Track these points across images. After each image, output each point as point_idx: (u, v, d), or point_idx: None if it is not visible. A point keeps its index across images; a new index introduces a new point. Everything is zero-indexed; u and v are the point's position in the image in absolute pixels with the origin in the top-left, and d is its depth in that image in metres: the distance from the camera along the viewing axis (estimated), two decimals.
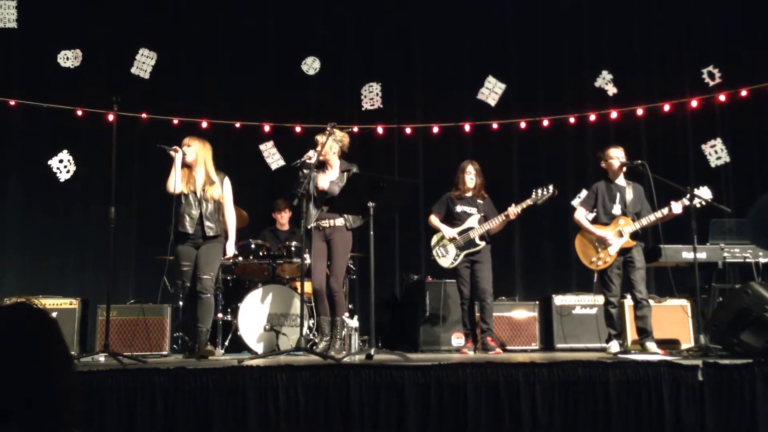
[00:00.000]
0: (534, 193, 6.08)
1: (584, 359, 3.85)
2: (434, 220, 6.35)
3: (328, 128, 5.46)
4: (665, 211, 5.55)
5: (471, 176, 6.26)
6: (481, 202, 6.27)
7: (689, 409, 3.63)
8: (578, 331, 6.80)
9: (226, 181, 5.73)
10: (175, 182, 5.51)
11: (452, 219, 6.27)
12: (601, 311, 6.08)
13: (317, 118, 8.02)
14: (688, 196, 5.43)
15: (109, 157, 5.23)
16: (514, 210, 6.06)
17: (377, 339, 6.46)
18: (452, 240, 6.18)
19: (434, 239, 6.40)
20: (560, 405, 3.63)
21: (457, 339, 6.66)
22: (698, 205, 5.35)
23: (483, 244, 6.15)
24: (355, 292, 7.48)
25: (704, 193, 5.44)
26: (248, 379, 3.51)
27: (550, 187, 6.04)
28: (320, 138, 5.67)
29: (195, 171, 5.61)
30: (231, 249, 5.84)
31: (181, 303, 6.56)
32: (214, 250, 5.60)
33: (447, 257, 6.24)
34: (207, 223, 5.51)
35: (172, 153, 5.57)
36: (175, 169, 5.54)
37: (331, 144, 5.66)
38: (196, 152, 5.65)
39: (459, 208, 6.26)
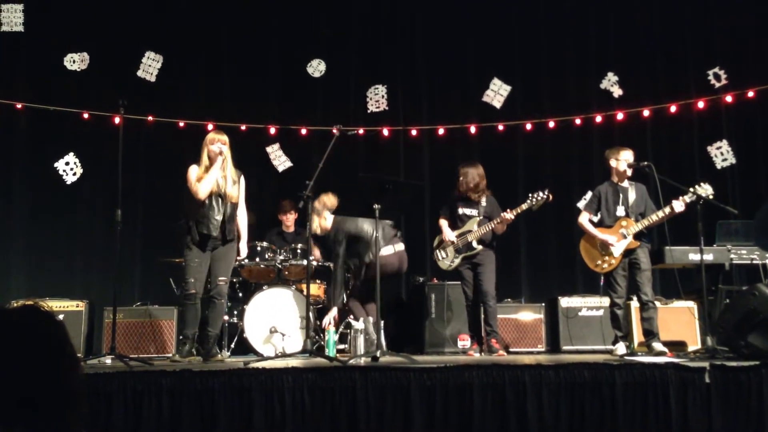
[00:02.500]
0: (529, 198, 6.10)
1: (591, 361, 3.85)
2: (442, 222, 6.40)
3: (335, 130, 5.47)
4: (667, 210, 5.54)
5: (465, 178, 6.27)
6: (483, 203, 6.27)
7: (696, 412, 3.61)
8: (584, 332, 6.79)
9: (242, 179, 5.61)
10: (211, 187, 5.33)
11: (455, 220, 6.31)
12: (607, 313, 6.07)
13: (323, 120, 8.04)
14: (689, 193, 5.41)
15: (116, 160, 5.24)
16: (508, 216, 6.08)
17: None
18: (451, 243, 6.22)
19: (436, 241, 6.47)
20: (567, 407, 3.62)
21: (463, 341, 6.66)
22: (701, 202, 5.33)
23: (481, 247, 6.16)
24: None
25: (706, 189, 5.42)
26: (254, 381, 3.51)
27: (545, 192, 6.06)
28: (313, 223, 6.04)
29: (224, 171, 5.43)
30: (244, 249, 5.84)
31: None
32: (231, 254, 5.55)
33: (446, 260, 6.33)
34: (228, 227, 5.42)
35: (221, 156, 5.37)
36: (214, 172, 5.34)
37: (317, 219, 6.14)
38: (228, 151, 5.47)
39: (461, 210, 6.29)
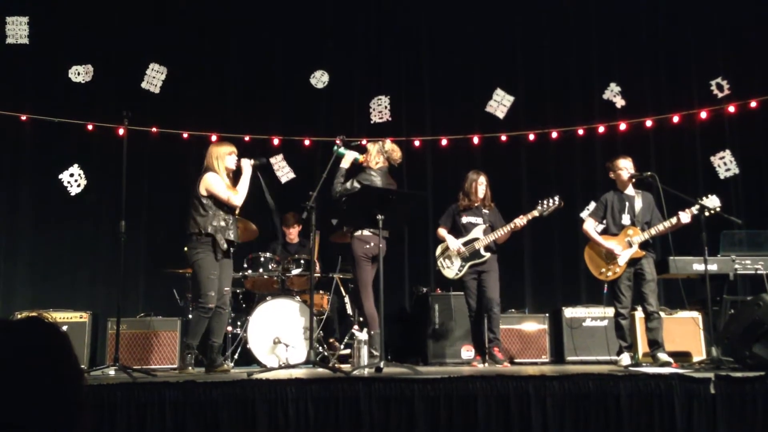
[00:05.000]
0: (540, 204, 6.07)
1: (595, 372, 3.84)
2: (442, 231, 6.36)
3: (337, 141, 5.50)
4: (673, 220, 5.54)
5: (483, 186, 6.27)
6: (487, 212, 6.26)
7: (701, 423, 3.59)
8: (589, 343, 6.76)
9: None
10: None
11: (458, 230, 6.28)
12: (611, 323, 6.06)
13: (326, 131, 8.05)
14: (696, 205, 5.42)
15: (120, 171, 5.26)
16: (519, 221, 6.05)
17: (386, 352, 6.44)
18: (458, 252, 6.18)
19: (438, 250, 6.41)
20: (571, 418, 3.60)
21: (467, 352, 6.64)
22: (707, 214, 5.33)
23: (488, 255, 6.14)
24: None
25: (713, 201, 5.42)
26: (258, 393, 3.50)
27: (556, 198, 6.03)
28: (370, 146, 5.72)
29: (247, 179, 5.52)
30: None
31: (190, 316, 6.56)
32: (231, 263, 5.62)
33: (452, 268, 6.25)
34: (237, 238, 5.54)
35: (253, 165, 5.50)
36: (247, 182, 5.45)
37: (375, 154, 5.77)
38: None
39: (465, 219, 6.26)
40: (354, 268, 5.77)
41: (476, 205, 6.28)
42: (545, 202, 6.05)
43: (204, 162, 5.49)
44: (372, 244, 5.59)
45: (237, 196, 5.38)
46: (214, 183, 5.35)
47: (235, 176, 5.55)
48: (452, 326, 6.81)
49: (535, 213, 6.07)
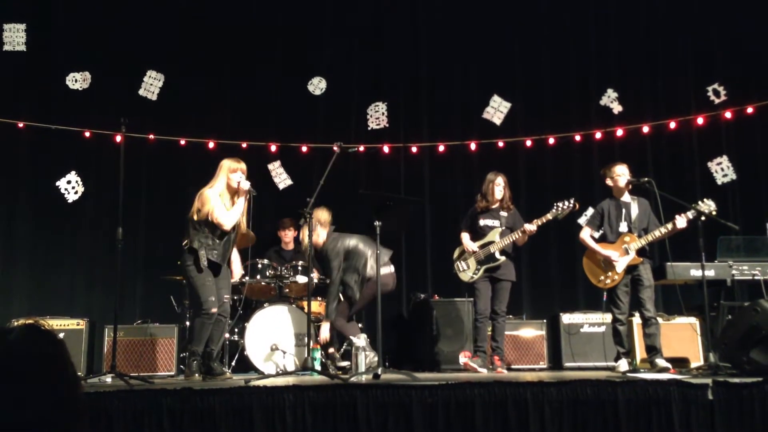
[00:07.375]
0: (555, 207, 6.00)
1: (593, 378, 3.83)
2: (463, 236, 6.32)
3: (335, 148, 5.50)
4: (670, 226, 5.54)
5: (500, 188, 6.23)
6: (505, 215, 6.22)
7: (699, 428, 3.59)
8: (586, 349, 6.77)
9: None
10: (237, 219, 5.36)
11: (476, 232, 6.24)
12: (609, 329, 6.05)
13: (324, 137, 8.06)
14: (692, 209, 5.42)
15: (117, 178, 5.26)
16: (531, 227, 6.01)
17: (384, 358, 6.43)
18: (473, 254, 6.16)
19: (456, 253, 6.36)
20: (569, 425, 3.60)
21: (464, 358, 6.63)
22: (703, 218, 5.33)
23: (503, 258, 6.10)
24: (362, 311, 7.45)
25: (709, 205, 5.41)
26: (255, 400, 3.50)
27: (572, 201, 5.98)
28: (309, 241, 5.49)
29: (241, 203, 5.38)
30: (238, 271, 6.04)
31: (187, 323, 6.55)
32: (228, 272, 5.63)
33: (467, 271, 6.22)
34: (232, 255, 5.51)
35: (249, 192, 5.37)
36: (241, 205, 5.35)
37: (318, 233, 6.05)
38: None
39: (482, 222, 6.23)
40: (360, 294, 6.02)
41: (494, 207, 6.23)
42: (560, 204, 6.00)
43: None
44: (389, 282, 6.15)
45: (228, 218, 5.28)
46: (206, 200, 5.28)
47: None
48: (450, 333, 6.80)
49: (549, 216, 6.01)
